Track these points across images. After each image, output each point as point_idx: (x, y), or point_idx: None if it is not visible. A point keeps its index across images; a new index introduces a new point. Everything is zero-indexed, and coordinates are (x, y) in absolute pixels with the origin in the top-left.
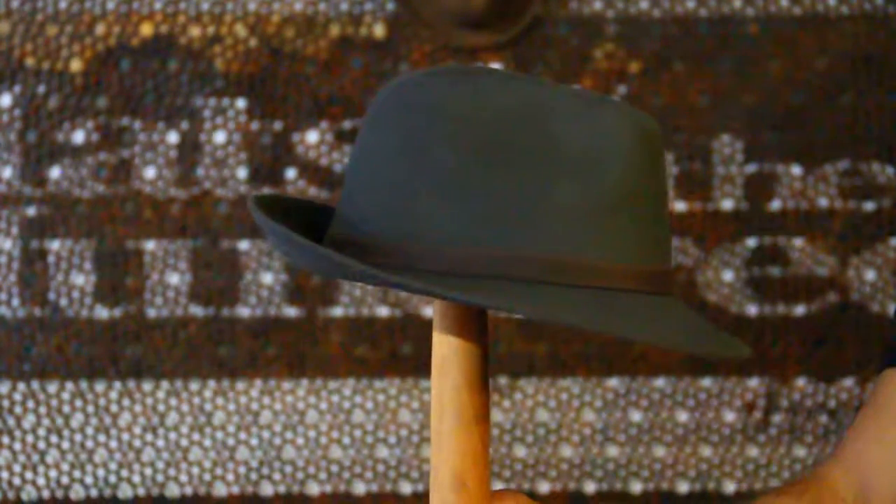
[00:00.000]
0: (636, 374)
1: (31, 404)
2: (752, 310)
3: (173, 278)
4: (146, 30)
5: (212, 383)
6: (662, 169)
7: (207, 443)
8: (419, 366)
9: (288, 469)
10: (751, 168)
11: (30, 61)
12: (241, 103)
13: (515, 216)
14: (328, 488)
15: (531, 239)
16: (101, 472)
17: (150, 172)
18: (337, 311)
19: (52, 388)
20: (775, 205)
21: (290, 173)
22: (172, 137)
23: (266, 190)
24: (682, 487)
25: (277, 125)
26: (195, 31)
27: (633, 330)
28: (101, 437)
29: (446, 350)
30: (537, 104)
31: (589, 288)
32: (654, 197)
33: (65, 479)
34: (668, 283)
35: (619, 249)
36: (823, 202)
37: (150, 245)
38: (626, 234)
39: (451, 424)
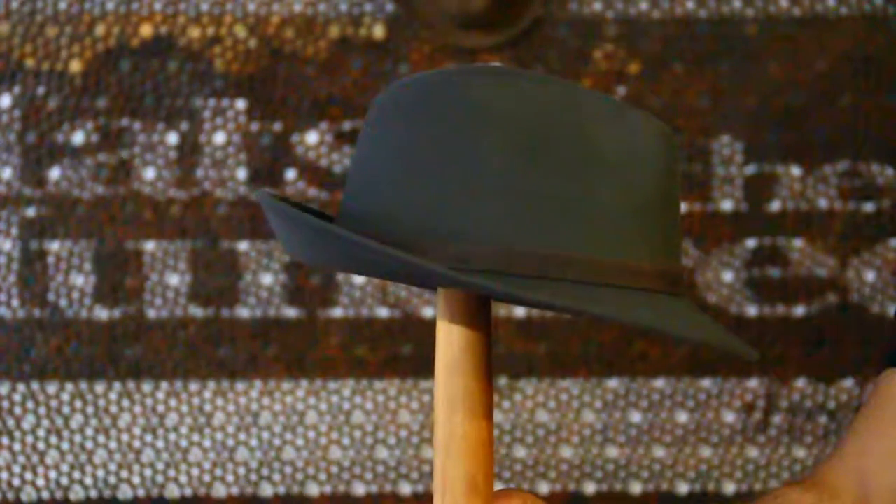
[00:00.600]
0: (636, 375)
1: (30, 405)
2: (751, 310)
3: (173, 279)
4: (146, 31)
5: (211, 384)
6: (680, 174)
7: (207, 444)
8: (419, 367)
9: (287, 470)
10: (750, 169)
11: (30, 62)
12: (240, 104)
13: (561, 217)
14: (328, 489)
15: (576, 240)
16: (100, 473)
17: (149, 173)
18: (336, 312)
19: (52, 388)
20: (775, 205)
21: (290, 174)
22: (172, 138)
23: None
24: (682, 488)
25: (277, 126)
26: (195, 32)
27: (699, 334)
28: (101, 438)
29: (457, 347)
30: (574, 106)
31: (628, 289)
32: (675, 200)
33: (64, 480)
34: (683, 284)
35: (650, 251)
36: (823, 203)
37: (149, 246)
38: (654, 236)
39: (465, 423)
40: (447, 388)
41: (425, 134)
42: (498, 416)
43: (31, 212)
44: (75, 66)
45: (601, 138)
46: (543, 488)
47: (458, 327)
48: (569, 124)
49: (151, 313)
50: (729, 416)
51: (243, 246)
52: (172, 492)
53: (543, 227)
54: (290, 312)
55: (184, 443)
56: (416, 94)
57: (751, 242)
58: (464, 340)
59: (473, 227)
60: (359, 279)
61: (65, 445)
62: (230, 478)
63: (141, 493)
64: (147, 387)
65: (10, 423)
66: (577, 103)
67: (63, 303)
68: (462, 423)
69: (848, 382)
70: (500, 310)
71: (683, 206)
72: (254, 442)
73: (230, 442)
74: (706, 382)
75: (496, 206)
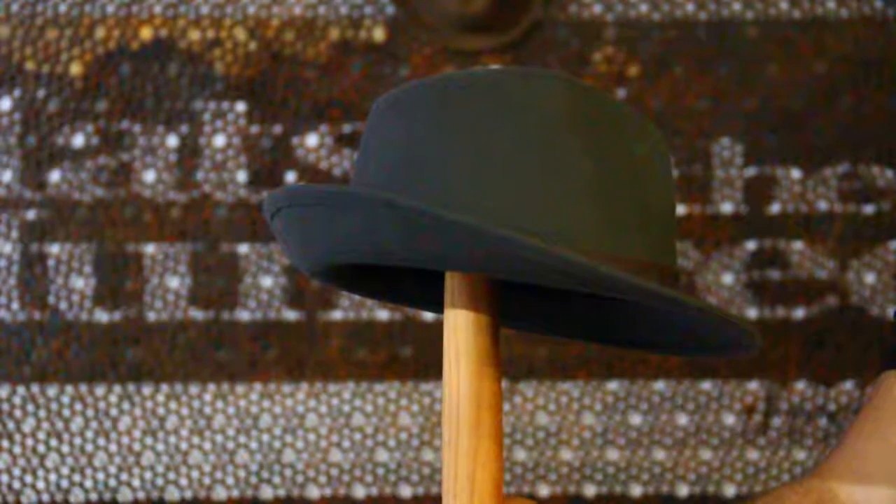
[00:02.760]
0: (636, 378)
1: (30, 408)
2: (751, 313)
3: (173, 282)
4: (146, 33)
5: (211, 387)
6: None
7: (207, 446)
8: (419, 369)
9: (288, 472)
10: (750, 171)
11: (29, 65)
12: (240, 107)
13: (636, 223)
14: (328, 492)
15: (651, 246)
16: (100, 476)
17: (149, 176)
18: (336, 315)
19: (52, 391)
20: (775, 208)
21: (290, 177)
22: (172, 141)
23: (266, 193)
24: (682, 491)
25: (277, 128)
26: (195, 35)
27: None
28: (101, 441)
29: (485, 345)
30: (618, 114)
31: (668, 289)
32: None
33: (64, 483)
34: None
35: (672, 253)
36: (823, 205)
37: (149, 248)
38: (670, 239)
39: (493, 425)
40: (473, 387)
41: (500, 134)
42: None
43: (31, 215)
44: (75, 68)
45: (638, 147)
46: (543, 491)
47: (485, 330)
48: (621, 133)
49: (151, 316)
50: (729, 419)
51: (243, 249)
52: (172, 494)
53: (621, 232)
54: (291, 315)
55: (184, 445)
56: (479, 93)
57: (751, 245)
58: (489, 339)
59: (576, 231)
60: None
61: (65, 448)
62: (230, 480)
63: (141, 495)
64: (147, 389)
65: (11, 425)
66: (617, 110)
67: (63, 305)
68: (491, 423)
69: (848, 385)
70: None
71: (683, 209)
72: (254, 444)
73: (230, 444)
74: (706, 385)
75: (594, 211)
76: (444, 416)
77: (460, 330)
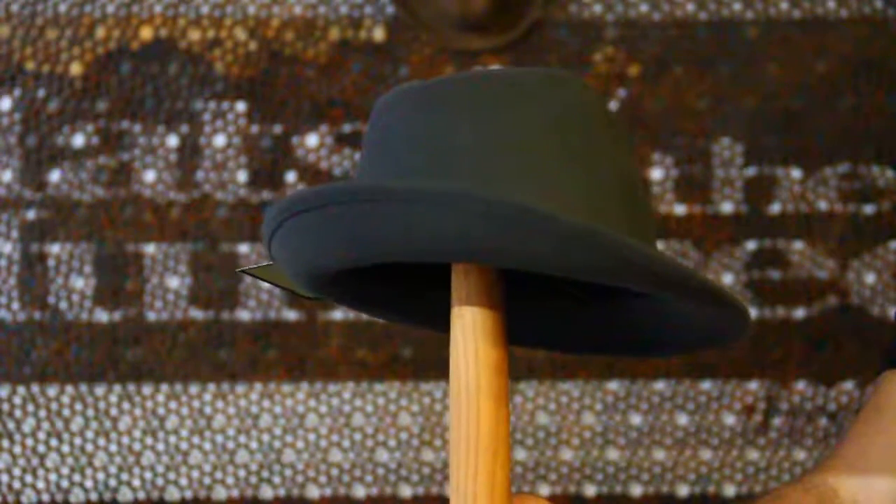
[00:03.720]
0: (636, 377)
1: (30, 408)
2: (751, 313)
3: (173, 282)
4: (146, 33)
5: (211, 387)
6: None
7: (207, 446)
8: (419, 369)
9: (288, 472)
10: (750, 171)
11: (30, 65)
12: (240, 106)
13: (643, 224)
14: (328, 492)
15: (651, 242)
16: (100, 476)
17: (149, 176)
18: (336, 315)
19: (52, 391)
20: (775, 208)
21: (290, 176)
22: (172, 141)
23: (266, 193)
24: (682, 491)
25: (277, 128)
26: (195, 35)
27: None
28: (101, 441)
29: (499, 345)
30: (613, 118)
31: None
32: None
33: (65, 483)
34: None
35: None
36: (823, 205)
37: (149, 248)
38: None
39: (506, 425)
40: (493, 385)
41: (552, 135)
42: None
43: (31, 214)
44: (75, 68)
45: (623, 146)
46: (544, 490)
47: (501, 328)
48: (617, 136)
49: (152, 316)
50: (729, 419)
51: (243, 248)
52: (173, 494)
53: (648, 236)
54: (291, 315)
55: (184, 445)
56: (524, 94)
57: (751, 245)
58: (504, 337)
59: (614, 230)
60: None
61: (65, 448)
62: (230, 480)
63: (141, 495)
64: (147, 389)
65: (11, 425)
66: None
67: (63, 305)
68: (507, 424)
69: (848, 384)
70: None
71: (683, 209)
72: (254, 444)
73: (230, 444)
74: (706, 385)
75: (622, 211)
76: (460, 416)
77: (479, 328)
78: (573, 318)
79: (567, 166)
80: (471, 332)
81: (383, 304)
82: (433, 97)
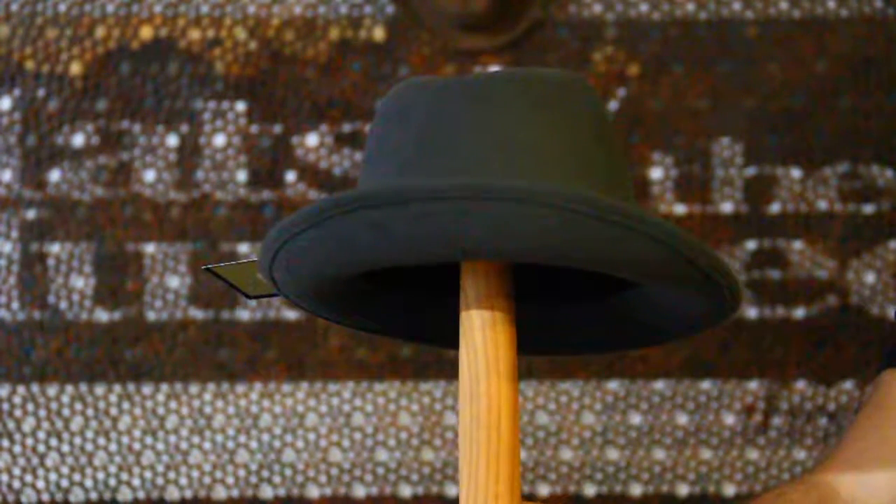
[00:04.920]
0: (636, 377)
1: (30, 407)
2: (751, 312)
3: (173, 281)
4: (146, 33)
5: (211, 386)
6: None
7: (207, 446)
8: (419, 368)
9: (288, 472)
10: (750, 171)
11: (29, 64)
12: (240, 106)
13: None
14: (328, 491)
15: None
16: (100, 476)
17: (149, 175)
18: None
19: (52, 391)
20: (775, 207)
21: (290, 176)
22: (172, 140)
23: (266, 193)
24: (682, 490)
25: (277, 128)
26: (195, 35)
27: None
28: (101, 441)
29: (510, 344)
30: None
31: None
32: None
33: (64, 483)
34: None
35: None
36: (823, 205)
37: (149, 248)
38: None
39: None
40: (513, 385)
41: (589, 134)
42: None
43: (31, 214)
44: (75, 68)
45: None
46: (543, 490)
47: (512, 328)
48: None
49: (151, 315)
50: (729, 418)
51: (243, 248)
52: (173, 494)
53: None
54: (290, 314)
55: (184, 445)
56: (569, 95)
57: (751, 244)
58: (514, 340)
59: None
60: None
61: (65, 448)
62: (230, 480)
63: (141, 495)
64: (147, 389)
65: (11, 425)
66: None
67: (63, 305)
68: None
69: (848, 384)
70: None
71: (683, 209)
72: (254, 444)
73: (230, 444)
74: (706, 384)
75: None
76: (481, 416)
77: (498, 328)
78: (564, 318)
79: (609, 167)
80: (490, 331)
81: (379, 319)
82: (491, 93)
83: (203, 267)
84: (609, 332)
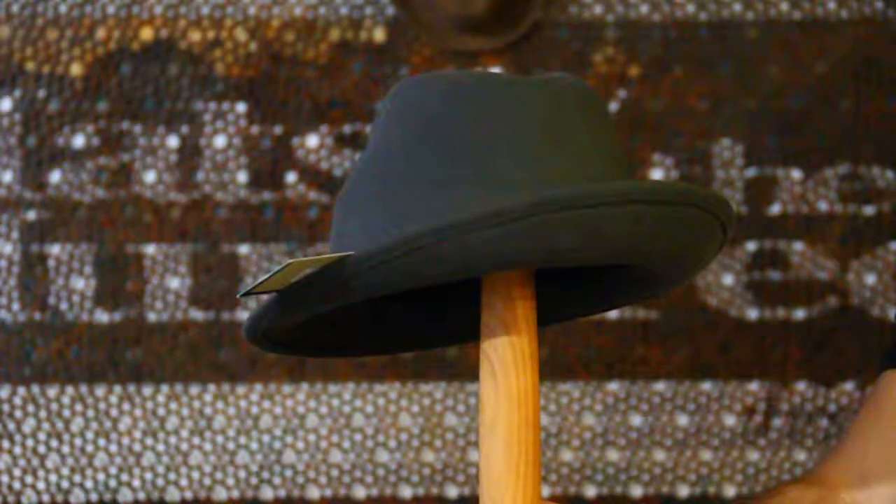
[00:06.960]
0: (636, 378)
1: (30, 408)
2: (752, 314)
3: (173, 282)
4: (146, 34)
5: (212, 387)
6: None
7: (208, 447)
8: (420, 369)
9: (288, 473)
10: (751, 172)
11: (30, 65)
12: (241, 107)
13: None
14: (328, 492)
15: None
16: (101, 477)
17: (150, 176)
18: None
19: (52, 392)
20: (775, 209)
21: (291, 177)
22: (172, 141)
23: (267, 194)
24: (683, 491)
25: (277, 129)
26: (195, 36)
27: None
28: (102, 442)
29: (533, 338)
30: None
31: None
32: None
33: (65, 484)
34: None
35: None
36: (823, 206)
37: (150, 249)
38: None
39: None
40: (537, 386)
41: (608, 136)
42: None
43: (31, 215)
44: (76, 69)
45: None
46: (544, 492)
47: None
48: None
49: (152, 317)
50: (729, 420)
51: (244, 249)
52: (173, 495)
53: None
54: None
55: (184, 446)
56: (591, 100)
57: (751, 245)
58: (533, 332)
59: None
60: None
61: (65, 449)
62: (231, 481)
63: (141, 496)
64: (147, 390)
65: (11, 426)
66: None
67: (63, 306)
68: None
69: (849, 385)
70: None
71: None
72: (254, 445)
73: (231, 445)
74: (707, 385)
75: None
76: (529, 418)
77: (522, 329)
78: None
79: (629, 169)
80: (516, 332)
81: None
82: (548, 96)
83: (286, 263)
84: (609, 291)
